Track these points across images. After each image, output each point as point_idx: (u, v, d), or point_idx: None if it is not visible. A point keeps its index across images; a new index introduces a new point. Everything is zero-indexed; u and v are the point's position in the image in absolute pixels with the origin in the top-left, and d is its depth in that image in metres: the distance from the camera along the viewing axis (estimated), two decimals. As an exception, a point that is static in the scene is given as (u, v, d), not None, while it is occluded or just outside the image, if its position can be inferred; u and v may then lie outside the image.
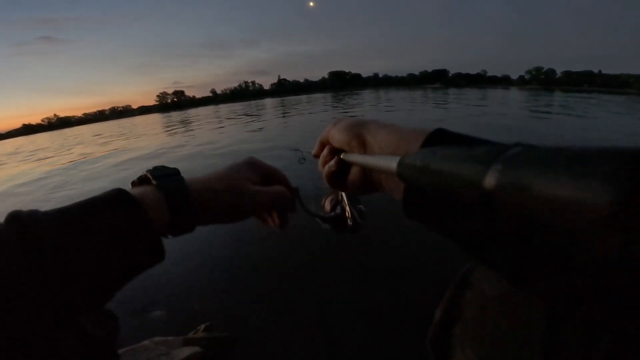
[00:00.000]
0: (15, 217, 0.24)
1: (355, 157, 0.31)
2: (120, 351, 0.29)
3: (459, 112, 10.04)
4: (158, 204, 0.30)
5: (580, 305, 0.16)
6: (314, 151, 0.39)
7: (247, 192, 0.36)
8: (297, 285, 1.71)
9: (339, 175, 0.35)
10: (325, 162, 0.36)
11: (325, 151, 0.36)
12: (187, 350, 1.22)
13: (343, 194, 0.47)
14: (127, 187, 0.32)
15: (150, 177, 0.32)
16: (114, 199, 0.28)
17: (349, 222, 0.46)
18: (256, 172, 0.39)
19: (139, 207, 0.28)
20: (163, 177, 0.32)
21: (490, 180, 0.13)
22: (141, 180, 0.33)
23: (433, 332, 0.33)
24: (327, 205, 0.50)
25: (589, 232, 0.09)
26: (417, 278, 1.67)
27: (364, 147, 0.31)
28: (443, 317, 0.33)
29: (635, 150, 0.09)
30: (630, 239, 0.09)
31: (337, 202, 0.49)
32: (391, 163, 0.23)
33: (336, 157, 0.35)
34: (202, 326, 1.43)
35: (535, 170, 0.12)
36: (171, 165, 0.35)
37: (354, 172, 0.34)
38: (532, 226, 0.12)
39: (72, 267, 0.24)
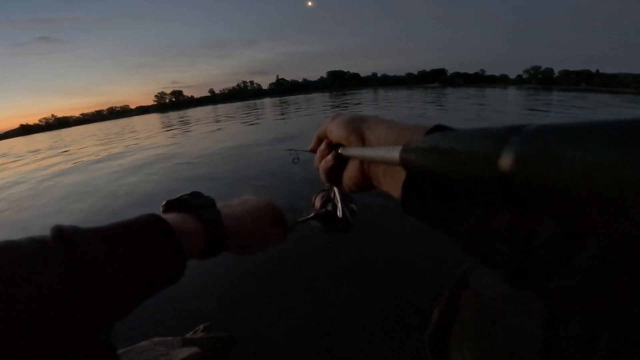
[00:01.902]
0: (64, 234, 0.25)
1: (354, 151, 0.31)
2: (119, 352, 0.30)
3: (458, 111, 10.05)
4: (197, 232, 0.34)
5: (580, 304, 0.16)
6: (310, 146, 0.39)
7: (268, 238, 0.43)
8: (295, 286, 1.71)
9: (336, 171, 0.35)
10: (322, 157, 0.36)
11: (322, 145, 0.36)
12: (186, 351, 1.22)
13: (336, 190, 0.46)
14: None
15: (191, 205, 0.36)
16: (152, 225, 0.30)
17: (340, 220, 0.46)
18: (273, 216, 0.45)
19: (173, 236, 0.30)
20: (202, 207, 0.36)
21: (508, 154, 0.12)
22: (178, 203, 0.36)
23: (431, 332, 0.33)
24: (318, 202, 0.50)
25: (632, 198, 0.09)
26: (415, 279, 1.67)
27: (362, 142, 0.31)
28: (441, 317, 0.33)
29: None
30: None
31: (328, 200, 0.48)
32: (393, 152, 0.22)
33: (334, 152, 0.34)
34: (201, 326, 1.43)
35: (559, 139, 0.11)
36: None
37: (351, 168, 0.33)
38: (558, 200, 0.11)
39: (109, 286, 0.25)
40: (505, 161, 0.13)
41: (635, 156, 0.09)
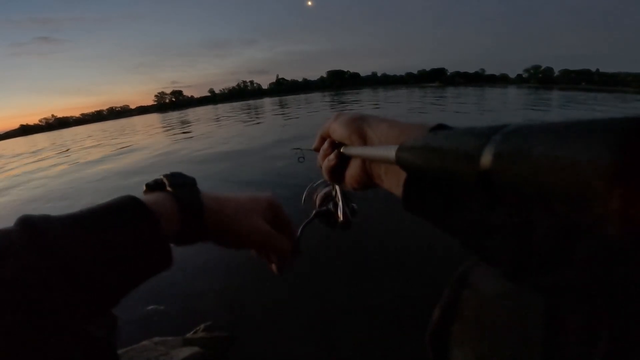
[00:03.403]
0: (30, 223, 0.24)
1: (355, 150, 0.31)
2: (119, 351, 0.29)
3: (458, 110, 10.04)
4: (170, 213, 0.30)
5: (580, 299, 0.16)
6: (314, 145, 0.39)
7: (254, 227, 0.36)
8: (295, 285, 1.71)
9: (339, 169, 0.35)
10: (325, 156, 0.36)
11: (325, 145, 0.36)
12: (187, 351, 1.22)
13: (338, 188, 0.47)
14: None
15: (167, 183, 0.32)
16: (127, 207, 0.28)
17: (340, 218, 0.46)
18: (272, 213, 0.39)
19: (151, 217, 0.28)
20: (180, 186, 0.33)
21: (488, 152, 0.13)
22: (157, 184, 0.33)
23: (431, 330, 0.33)
24: (319, 200, 0.51)
25: (591, 192, 0.09)
26: (415, 277, 1.67)
27: (364, 141, 0.31)
28: (441, 315, 0.33)
29: (632, 117, 0.10)
30: (632, 195, 0.09)
31: (329, 199, 0.49)
32: (390, 151, 0.23)
33: (336, 151, 0.35)
34: (202, 326, 1.43)
35: (533, 137, 0.12)
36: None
37: (353, 166, 0.34)
38: (531, 193, 0.12)
39: (84, 274, 0.24)
40: (486, 158, 0.13)
41: (590, 154, 0.09)
